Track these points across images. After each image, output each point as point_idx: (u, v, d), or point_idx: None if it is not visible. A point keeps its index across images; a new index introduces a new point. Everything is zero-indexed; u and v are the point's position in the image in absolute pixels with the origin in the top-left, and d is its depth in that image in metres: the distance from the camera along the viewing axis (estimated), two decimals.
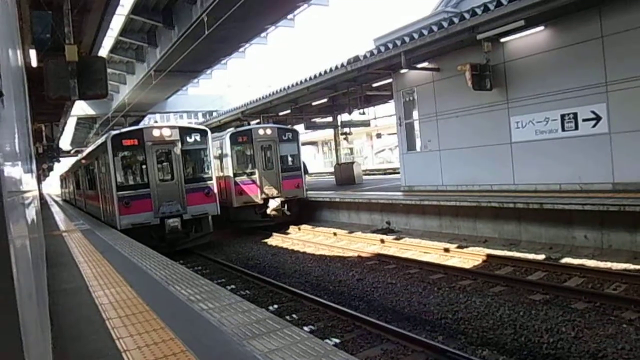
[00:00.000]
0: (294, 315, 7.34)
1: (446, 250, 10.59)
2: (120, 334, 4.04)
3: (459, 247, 10.81)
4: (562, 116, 10.76)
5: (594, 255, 8.92)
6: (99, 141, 15.21)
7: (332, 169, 30.29)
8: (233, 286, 9.61)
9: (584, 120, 10.40)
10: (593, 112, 10.22)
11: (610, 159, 10.04)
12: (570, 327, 5.89)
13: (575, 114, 10.53)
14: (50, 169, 42.27)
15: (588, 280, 7.70)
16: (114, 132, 13.28)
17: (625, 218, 8.55)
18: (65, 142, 40.95)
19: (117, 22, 18.53)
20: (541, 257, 9.37)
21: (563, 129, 10.80)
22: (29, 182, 3.81)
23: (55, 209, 25.74)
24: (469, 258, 9.88)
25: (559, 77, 10.74)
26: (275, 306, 7.98)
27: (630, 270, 7.89)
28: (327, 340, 6.13)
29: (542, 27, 10.81)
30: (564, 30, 10.61)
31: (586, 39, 10.19)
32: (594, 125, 10.24)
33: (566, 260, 8.98)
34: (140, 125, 20.36)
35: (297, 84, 17.79)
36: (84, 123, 39.59)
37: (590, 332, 5.70)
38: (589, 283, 7.58)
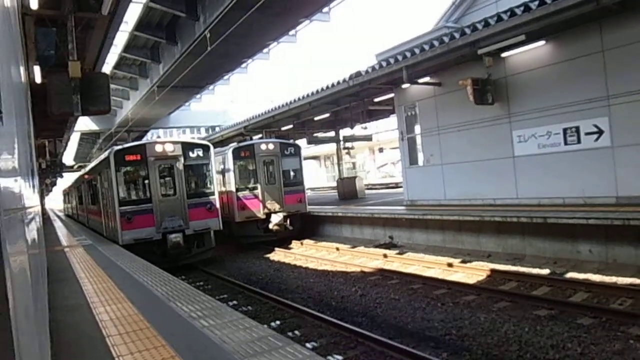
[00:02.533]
0: (296, 332, 7.26)
1: (450, 265, 10.51)
2: (120, 351, 3.99)
3: (462, 261, 10.74)
4: (565, 130, 10.75)
5: (599, 270, 8.84)
6: (102, 156, 15.26)
7: (334, 184, 30.25)
8: (235, 302, 9.54)
9: (586, 133, 10.39)
10: (595, 126, 10.20)
11: (613, 173, 10.00)
12: (577, 343, 5.81)
13: (577, 128, 10.52)
14: (54, 184, 42.44)
15: (593, 295, 7.62)
16: (116, 148, 13.32)
17: (629, 232, 8.48)
18: (68, 157, 41.14)
19: (120, 39, 18.72)
20: (546, 271, 9.28)
21: (566, 143, 10.77)
22: (30, 198, 3.80)
23: (57, 224, 25.74)
24: (472, 273, 9.79)
25: (561, 91, 10.75)
26: (278, 322, 7.90)
27: (636, 285, 7.81)
28: (330, 358, 6.06)
29: (543, 42, 10.85)
30: (565, 45, 10.64)
31: (587, 53, 10.22)
32: (597, 139, 10.22)
33: (571, 274, 8.90)
34: (143, 141, 20.44)
35: (299, 99, 17.86)
36: (87, 138, 39.80)
37: (597, 348, 5.62)
38: (594, 298, 7.50)
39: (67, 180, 37.96)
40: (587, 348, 5.64)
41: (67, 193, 39.33)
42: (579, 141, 10.53)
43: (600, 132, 10.14)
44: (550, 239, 9.98)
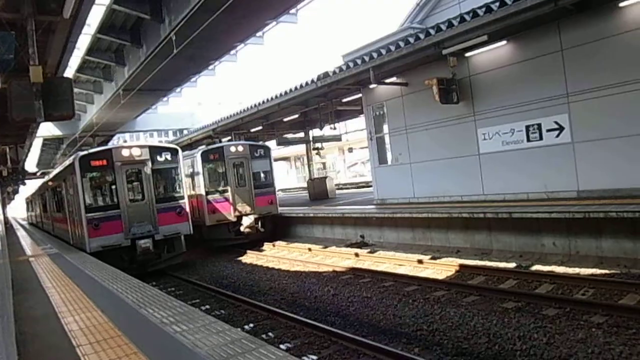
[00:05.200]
0: (270, 334, 7.26)
1: (420, 261, 10.68)
2: None
3: (432, 258, 10.93)
4: (527, 127, 11.08)
5: (562, 262, 9.15)
6: (67, 162, 14.87)
7: (305, 184, 30.29)
8: (207, 306, 9.47)
9: (547, 130, 10.73)
10: (556, 123, 10.55)
11: (574, 168, 10.36)
12: (542, 333, 6.01)
13: (539, 125, 10.86)
14: (16, 192, 41.08)
15: (558, 286, 7.87)
16: (81, 153, 13.00)
17: (590, 225, 8.82)
18: (31, 164, 39.91)
19: (83, 42, 18.34)
20: (512, 265, 9.55)
21: (528, 140, 11.10)
22: None
23: (21, 233, 24.96)
24: (442, 269, 9.99)
25: (523, 89, 11.07)
26: (251, 325, 7.88)
27: (597, 275, 8.12)
28: (304, 358, 6.09)
29: (504, 42, 11.15)
30: (526, 45, 10.97)
31: (547, 52, 10.56)
32: (558, 135, 10.57)
33: (536, 267, 9.17)
34: (109, 145, 20.04)
35: (268, 100, 17.84)
36: (51, 144, 38.74)
37: (562, 337, 5.83)
38: (558, 289, 7.75)
39: (30, 187, 36.83)
40: (553, 338, 5.84)
41: (30, 201, 38.13)
42: (540, 138, 10.88)
43: (560, 129, 10.50)
44: (515, 233, 10.26)
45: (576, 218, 8.83)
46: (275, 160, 21.29)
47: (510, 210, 9.98)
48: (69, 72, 18.59)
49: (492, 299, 7.66)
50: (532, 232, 9.95)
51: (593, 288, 7.49)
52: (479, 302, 7.67)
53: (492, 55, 11.59)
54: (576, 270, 8.58)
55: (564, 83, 10.33)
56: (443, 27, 10.84)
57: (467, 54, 11.86)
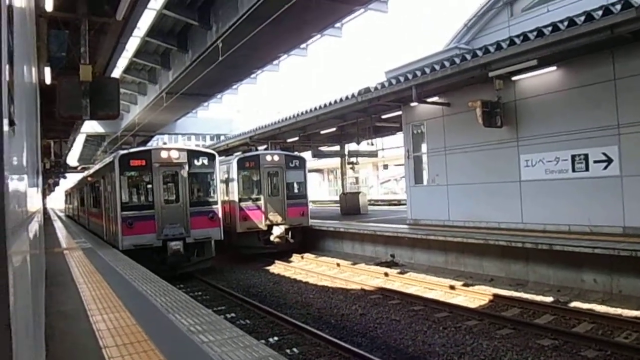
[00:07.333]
0: (294, 349, 7.13)
1: (452, 287, 10.37)
2: None
3: (464, 284, 10.60)
4: (573, 157, 10.68)
5: (603, 300, 8.70)
6: (107, 160, 15.23)
7: (336, 198, 30.15)
8: (233, 314, 9.41)
9: (595, 161, 10.31)
10: (604, 154, 10.13)
11: (621, 202, 9.89)
12: None
13: (586, 155, 10.45)
14: (56, 184, 42.39)
15: (598, 326, 7.47)
16: (122, 152, 13.29)
17: (636, 264, 8.36)
18: (72, 158, 41.13)
19: (132, 44, 18.79)
20: (549, 299, 9.14)
21: (573, 170, 10.69)
22: (34, 198, 3.74)
23: (58, 224, 25.66)
24: (475, 297, 9.66)
25: (571, 117, 10.70)
26: (276, 338, 7.77)
27: None
28: None
29: (554, 67, 10.83)
30: (577, 71, 10.61)
31: (598, 80, 10.18)
32: (605, 167, 10.14)
33: (575, 304, 8.75)
34: (148, 146, 20.44)
35: (306, 112, 17.86)
36: (93, 140, 39.88)
37: None
38: (598, 329, 7.36)
39: (69, 181, 37.95)
40: None
41: (69, 194, 39.30)
42: (587, 169, 10.46)
43: (609, 161, 10.07)
44: (554, 266, 9.84)
45: (621, 255, 8.40)
46: (309, 171, 21.26)
47: (551, 242, 9.58)
48: (116, 73, 19.10)
49: (528, 334, 7.32)
50: (572, 266, 9.52)
51: (637, 332, 7.07)
52: (514, 336, 7.34)
53: (540, 80, 11.26)
54: (618, 310, 8.14)
55: (615, 113, 9.92)
56: (491, 48, 10.62)
57: (514, 78, 11.56)
